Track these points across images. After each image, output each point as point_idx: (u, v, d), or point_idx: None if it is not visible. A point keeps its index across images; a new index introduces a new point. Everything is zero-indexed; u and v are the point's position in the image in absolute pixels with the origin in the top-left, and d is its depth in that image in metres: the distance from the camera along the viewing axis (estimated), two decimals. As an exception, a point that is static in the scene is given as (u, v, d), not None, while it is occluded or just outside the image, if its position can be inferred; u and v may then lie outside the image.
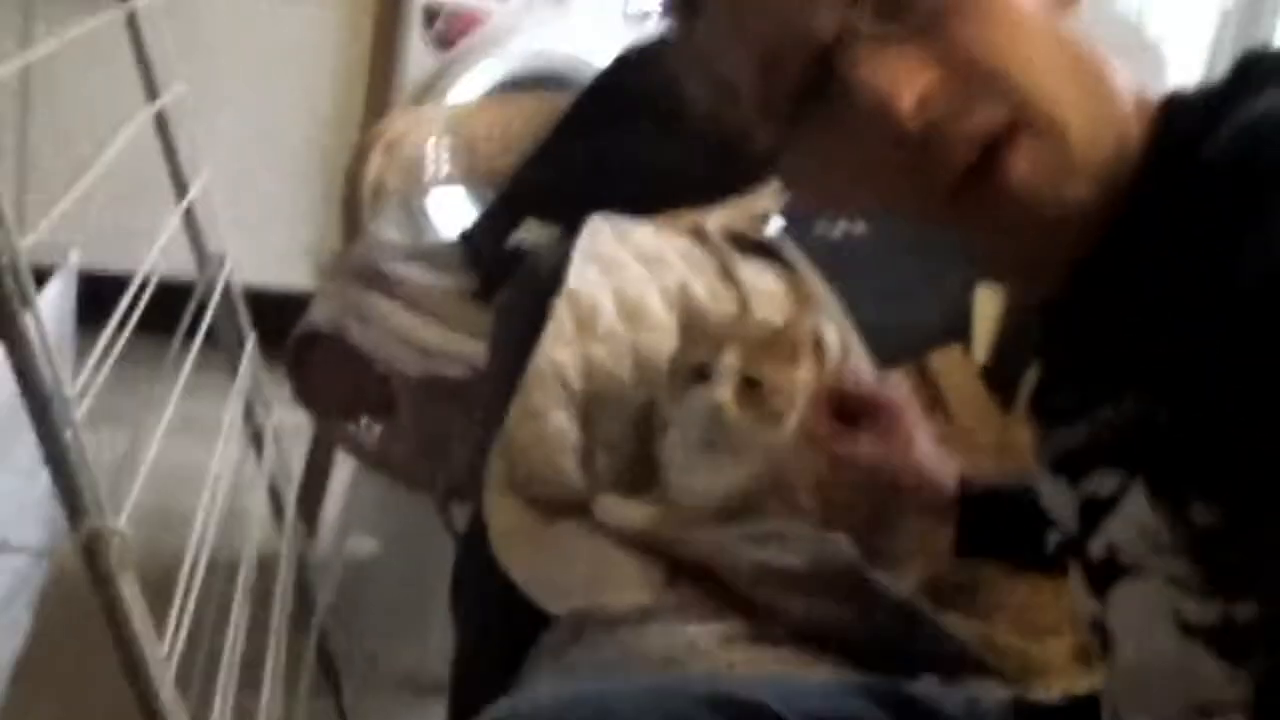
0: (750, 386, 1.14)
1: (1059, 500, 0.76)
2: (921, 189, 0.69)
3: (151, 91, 1.24)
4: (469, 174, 2.20)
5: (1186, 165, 0.66)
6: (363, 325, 1.73)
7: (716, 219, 1.50)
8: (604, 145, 1.96)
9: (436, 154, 2.16)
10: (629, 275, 1.36)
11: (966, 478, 1.09)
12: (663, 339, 1.32)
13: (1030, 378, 0.79)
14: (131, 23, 1.21)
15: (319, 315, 1.80)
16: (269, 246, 2.61)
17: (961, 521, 1.08)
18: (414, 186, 2.10)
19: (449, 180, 2.22)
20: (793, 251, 1.51)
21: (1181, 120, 0.68)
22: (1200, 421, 0.64)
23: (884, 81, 0.67)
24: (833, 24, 0.68)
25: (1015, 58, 0.67)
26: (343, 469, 2.11)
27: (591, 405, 1.26)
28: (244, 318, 1.34)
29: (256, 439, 1.42)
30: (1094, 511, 0.72)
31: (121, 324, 1.03)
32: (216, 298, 1.31)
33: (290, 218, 2.72)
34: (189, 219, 1.27)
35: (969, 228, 0.72)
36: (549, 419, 1.23)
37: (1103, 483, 0.71)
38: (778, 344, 1.18)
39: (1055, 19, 0.70)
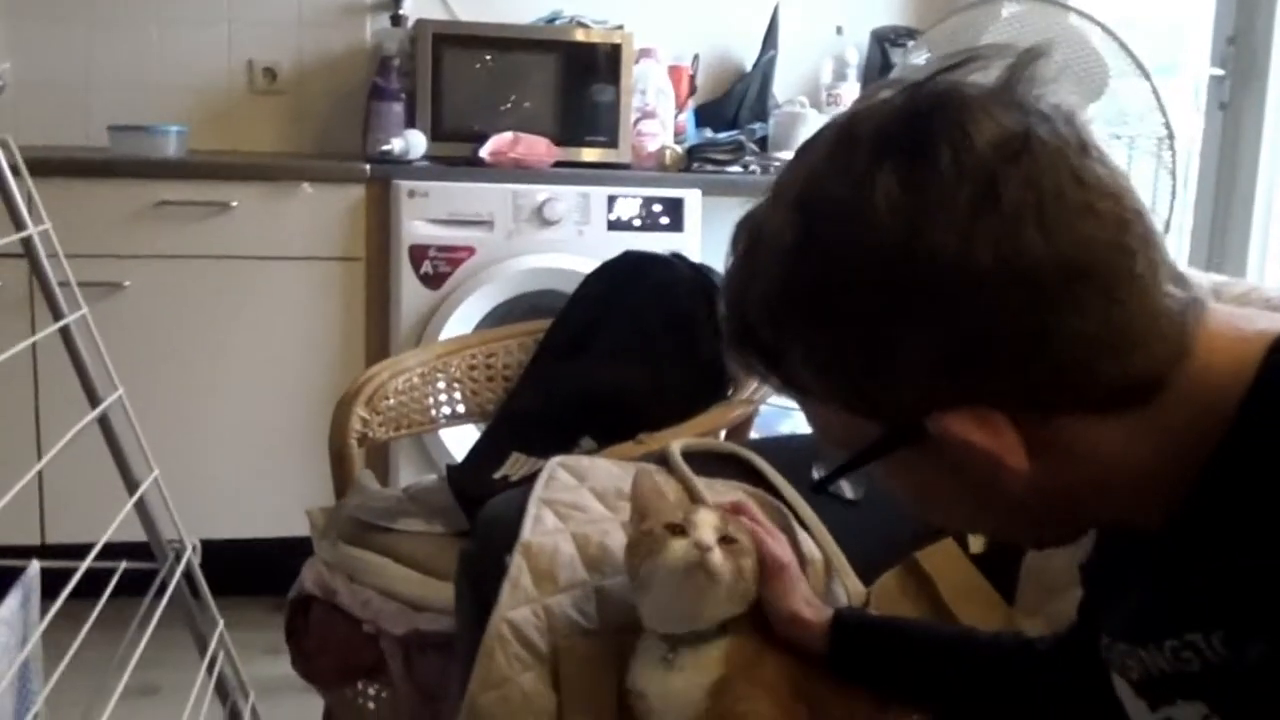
0: (725, 544, 1.14)
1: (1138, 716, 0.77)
2: None
3: (92, 398, 1.25)
4: (467, 411, 2.20)
5: None
6: (351, 584, 1.71)
7: (680, 441, 1.48)
8: (580, 371, 1.96)
9: (434, 395, 2.17)
10: (589, 517, 1.33)
11: (841, 609, 1.19)
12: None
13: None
14: (65, 336, 1.23)
15: (309, 577, 1.78)
16: (283, 498, 2.62)
17: (833, 640, 1.14)
18: (402, 434, 2.10)
19: (455, 419, 2.22)
20: (762, 463, 1.48)
21: None
22: None
23: None
24: None
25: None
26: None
27: (560, 659, 1.22)
28: (210, 605, 1.32)
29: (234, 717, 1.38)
30: None
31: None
32: (177, 583, 1.29)
33: (301, 470, 2.74)
34: (142, 512, 1.26)
35: None
36: (514, 684, 1.18)
37: (1184, 712, 0.71)
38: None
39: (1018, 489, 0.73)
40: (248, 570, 2.52)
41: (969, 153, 0.66)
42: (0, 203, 1.28)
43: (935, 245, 0.66)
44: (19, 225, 1.24)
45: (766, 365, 0.76)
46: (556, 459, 1.41)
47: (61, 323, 1.20)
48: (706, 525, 1.14)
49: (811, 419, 0.78)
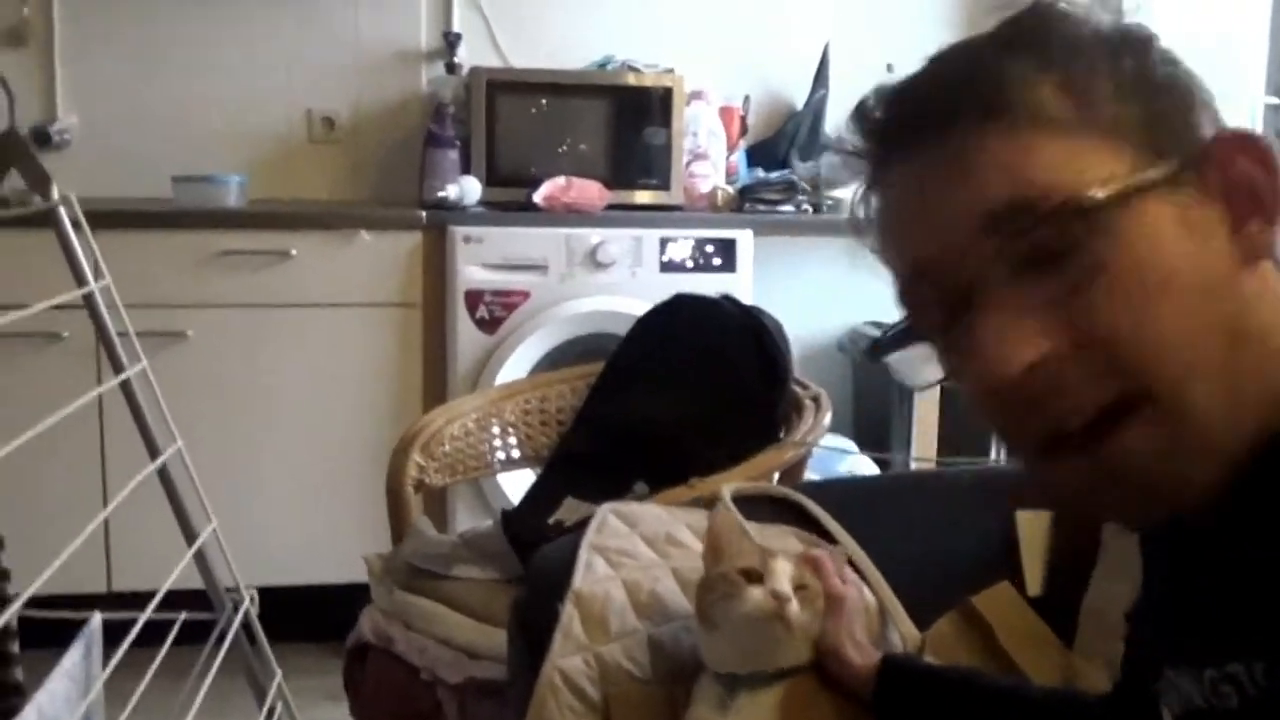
0: (799, 591, 1.13)
1: None
2: (1015, 438, 0.69)
3: (151, 450, 1.27)
4: (523, 455, 2.22)
5: None
6: (408, 632, 1.72)
7: (731, 485, 1.47)
8: (629, 413, 1.97)
9: (489, 440, 2.18)
10: (640, 564, 1.33)
11: (891, 655, 1.17)
12: (680, 627, 1.27)
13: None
14: (125, 389, 1.25)
15: (366, 625, 1.79)
16: (341, 544, 2.64)
17: (880, 683, 1.12)
18: (458, 479, 2.12)
19: (510, 464, 2.23)
20: (815, 507, 1.47)
21: None
22: None
23: (996, 342, 0.65)
24: (971, 269, 0.67)
25: (1147, 339, 0.63)
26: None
27: (612, 708, 1.21)
28: (267, 655, 1.33)
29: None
30: None
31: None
32: (236, 633, 1.30)
33: (358, 516, 2.76)
34: (201, 563, 1.28)
35: (1060, 481, 0.70)
36: (566, 732, 1.18)
37: None
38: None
39: (1222, 290, 0.65)
40: (308, 616, 2.54)
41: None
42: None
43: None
44: (80, 281, 1.27)
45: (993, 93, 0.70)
46: (608, 505, 1.41)
47: (121, 377, 1.23)
48: (783, 574, 1.13)
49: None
